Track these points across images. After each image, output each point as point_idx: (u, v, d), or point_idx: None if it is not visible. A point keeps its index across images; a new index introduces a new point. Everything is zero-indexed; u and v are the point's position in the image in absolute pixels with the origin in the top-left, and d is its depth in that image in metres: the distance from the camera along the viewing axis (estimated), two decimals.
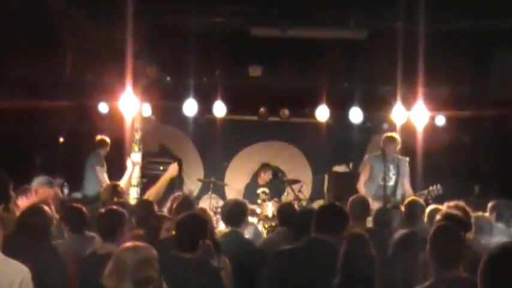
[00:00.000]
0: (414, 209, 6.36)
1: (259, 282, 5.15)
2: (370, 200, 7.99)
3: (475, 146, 11.51)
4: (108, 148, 10.37)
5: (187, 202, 6.37)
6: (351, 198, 6.46)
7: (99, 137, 10.37)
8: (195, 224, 4.54)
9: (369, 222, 7.13)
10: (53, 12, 8.10)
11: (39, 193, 5.77)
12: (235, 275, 5.36)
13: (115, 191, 7.43)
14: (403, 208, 7.34)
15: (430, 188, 8.05)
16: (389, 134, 8.64)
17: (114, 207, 5.09)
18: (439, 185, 8.04)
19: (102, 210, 4.98)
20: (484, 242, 5.56)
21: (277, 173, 12.08)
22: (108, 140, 10.39)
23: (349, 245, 3.82)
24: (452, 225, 4.06)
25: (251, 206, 9.87)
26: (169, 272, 4.32)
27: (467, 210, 5.44)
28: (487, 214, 6.12)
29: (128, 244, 3.65)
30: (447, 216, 5.25)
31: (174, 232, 4.64)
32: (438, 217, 5.38)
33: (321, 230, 4.50)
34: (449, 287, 3.61)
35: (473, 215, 5.95)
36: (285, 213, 6.65)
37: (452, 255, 3.74)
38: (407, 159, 8.56)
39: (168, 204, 6.58)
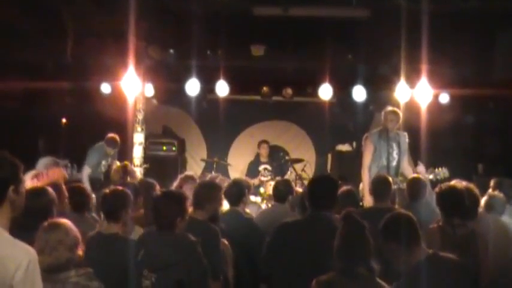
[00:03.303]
0: (417, 187, 6.35)
1: (257, 258, 5.22)
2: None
3: (479, 124, 11.48)
4: (117, 148, 9.92)
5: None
6: (372, 178, 6.47)
7: (110, 135, 9.85)
8: (170, 203, 4.52)
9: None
10: None
11: (50, 174, 5.80)
12: (234, 252, 5.40)
13: (125, 171, 7.48)
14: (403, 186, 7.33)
15: (436, 170, 7.92)
16: (390, 108, 8.41)
17: (119, 188, 5.10)
18: (445, 169, 7.93)
19: (107, 191, 4.98)
20: (493, 220, 5.60)
21: (278, 151, 12.10)
22: (115, 137, 9.89)
23: (345, 226, 3.83)
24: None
25: (254, 181, 9.96)
26: (147, 249, 4.37)
27: (473, 193, 5.41)
28: (501, 195, 6.12)
29: (46, 224, 3.73)
30: (446, 189, 5.28)
31: (153, 210, 4.65)
32: (437, 190, 5.41)
33: (318, 205, 4.73)
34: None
35: (488, 193, 5.98)
36: (280, 190, 6.81)
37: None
38: (406, 134, 8.35)
39: (176, 183, 6.64)
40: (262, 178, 10.70)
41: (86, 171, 9.61)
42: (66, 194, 5.44)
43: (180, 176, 6.74)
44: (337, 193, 4.91)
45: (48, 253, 3.56)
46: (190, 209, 4.97)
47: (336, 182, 5.06)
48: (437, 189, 5.41)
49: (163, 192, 4.77)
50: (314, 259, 4.40)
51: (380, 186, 6.09)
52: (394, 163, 8.12)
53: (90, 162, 9.70)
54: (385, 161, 8.07)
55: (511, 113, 10.55)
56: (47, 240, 3.60)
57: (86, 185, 9.27)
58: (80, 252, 3.70)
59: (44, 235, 3.64)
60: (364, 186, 7.97)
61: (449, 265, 3.84)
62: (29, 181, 5.61)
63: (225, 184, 6.55)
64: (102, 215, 6.39)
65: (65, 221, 3.79)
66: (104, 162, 9.85)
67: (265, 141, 11.74)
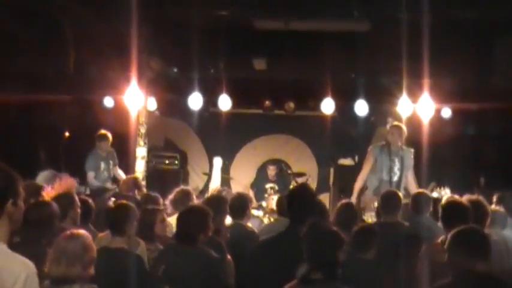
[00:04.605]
0: (421, 201, 6.35)
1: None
2: (370, 194, 7.96)
3: (480, 137, 11.46)
4: (108, 140, 9.93)
5: (184, 195, 6.47)
6: (382, 192, 6.46)
7: (98, 132, 9.97)
8: (195, 218, 4.52)
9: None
10: (56, 5, 8.10)
11: (63, 183, 5.82)
12: (238, 265, 5.39)
13: (135, 185, 7.49)
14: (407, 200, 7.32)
15: (439, 189, 7.94)
16: (395, 122, 8.46)
17: (124, 201, 5.09)
18: (448, 189, 7.94)
19: (112, 205, 4.97)
20: (494, 234, 5.57)
21: (281, 167, 12.08)
22: (104, 132, 9.95)
23: (308, 234, 3.85)
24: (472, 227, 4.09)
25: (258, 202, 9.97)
26: (169, 264, 4.34)
27: (482, 205, 5.38)
28: (502, 209, 6.12)
29: (67, 233, 3.74)
30: (450, 204, 5.24)
31: (176, 225, 4.63)
32: (442, 204, 5.39)
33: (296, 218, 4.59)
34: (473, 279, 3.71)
35: (489, 208, 5.96)
36: (284, 204, 6.76)
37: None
38: (412, 150, 8.36)
39: (171, 196, 6.65)
40: (267, 196, 10.68)
41: (90, 175, 9.71)
42: (79, 203, 5.46)
43: (175, 190, 6.74)
44: (311, 203, 4.75)
45: (65, 264, 3.56)
46: None
47: (308, 192, 4.88)
48: (442, 203, 5.41)
49: (188, 208, 4.74)
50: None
51: (390, 201, 6.10)
52: (395, 178, 8.15)
53: (89, 168, 9.78)
54: (387, 176, 8.10)
55: None
56: (64, 250, 3.61)
57: (96, 185, 9.53)
58: (92, 271, 3.69)
59: (63, 244, 3.64)
60: (353, 196, 8.01)
61: None
62: (44, 191, 5.62)
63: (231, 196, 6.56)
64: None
65: (86, 235, 3.78)
66: (103, 166, 9.86)
67: (273, 164, 11.72)
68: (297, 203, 4.67)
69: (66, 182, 5.97)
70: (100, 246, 4.93)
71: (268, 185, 11.20)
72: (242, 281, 5.42)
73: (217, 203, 5.60)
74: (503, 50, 9.43)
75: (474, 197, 5.56)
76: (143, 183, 10.47)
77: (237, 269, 5.41)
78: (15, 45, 8.56)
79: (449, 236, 3.96)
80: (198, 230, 4.45)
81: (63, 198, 5.27)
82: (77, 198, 5.49)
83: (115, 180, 9.79)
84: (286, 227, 4.73)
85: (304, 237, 3.86)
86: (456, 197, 6.21)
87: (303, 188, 5.14)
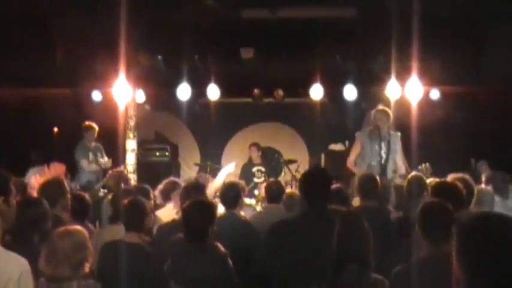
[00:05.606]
0: (413, 185, 6.35)
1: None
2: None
3: (470, 119, 11.50)
4: (94, 131, 9.95)
5: (173, 186, 6.49)
6: (359, 176, 6.47)
7: (84, 124, 9.99)
8: (203, 213, 4.43)
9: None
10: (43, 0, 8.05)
11: (52, 170, 5.79)
12: (232, 255, 5.40)
13: (121, 178, 7.48)
14: (400, 183, 7.34)
15: (419, 167, 7.93)
16: (380, 107, 8.45)
17: (136, 197, 5.05)
18: (428, 165, 7.94)
19: (126, 201, 4.95)
20: None
21: (273, 153, 12.07)
22: (90, 123, 9.98)
23: (343, 224, 3.79)
24: (439, 201, 4.04)
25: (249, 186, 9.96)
26: (176, 261, 4.31)
27: (469, 183, 5.39)
28: (489, 188, 6.14)
29: (61, 229, 3.75)
30: (437, 188, 5.24)
31: (182, 220, 4.54)
32: (431, 184, 5.40)
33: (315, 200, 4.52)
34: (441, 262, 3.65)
35: (476, 188, 5.98)
36: (273, 190, 6.86)
37: (443, 232, 3.67)
38: (399, 134, 8.38)
39: (161, 186, 6.66)
40: (256, 180, 10.71)
41: (85, 163, 9.75)
42: (68, 189, 5.42)
43: (165, 181, 6.75)
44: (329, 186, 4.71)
45: (54, 265, 3.57)
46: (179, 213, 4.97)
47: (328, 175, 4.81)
48: (432, 184, 5.41)
49: (194, 202, 4.61)
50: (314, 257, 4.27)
51: (366, 184, 6.05)
52: (382, 162, 8.17)
53: (81, 157, 9.82)
54: (374, 160, 8.14)
55: (501, 107, 10.56)
56: (55, 249, 3.61)
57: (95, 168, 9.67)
58: (87, 269, 3.69)
59: (55, 242, 3.66)
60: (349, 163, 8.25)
61: None
62: (32, 178, 5.60)
63: (209, 182, 6.52)
64: (97, 223, 6.45)
65: (81, 232, 3.77)
66: (91, 157, 9.86)
67: (254, 144, 11.69)
68: (318, 188, 4.58)
69: (55, 168, 5.94)
70: (99, 238, 4.95)
71: (254, 169, 11.19)
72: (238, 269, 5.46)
73: (196, 191, 5.58)
74: (493, 35, 9.44)
75: (459, 175, 5.54)
76: (134, 176, 10.51)
77: (231, 258, 5.43)
78: (2, 42, 8.50)
79: (418, 210, 3.92)
80: (207, 225, 4.38)
81: (53, 185, 5.21)
82: (66, 184, 5.45)
83: (104, 172, 9.80)
84: (303, 210, 4.66)
85: (337, 229, 3.76)
86: (437, 180, 6.19)
87: (323, 173, 5.02)
